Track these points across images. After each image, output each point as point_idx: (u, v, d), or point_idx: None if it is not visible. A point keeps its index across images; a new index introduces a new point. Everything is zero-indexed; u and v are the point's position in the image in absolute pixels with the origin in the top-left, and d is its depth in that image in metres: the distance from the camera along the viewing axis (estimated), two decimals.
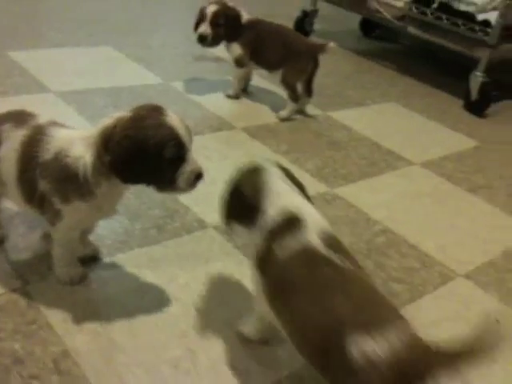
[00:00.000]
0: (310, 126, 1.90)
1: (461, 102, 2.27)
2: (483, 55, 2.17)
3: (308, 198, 0.95)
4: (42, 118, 1.03)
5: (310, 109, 2.01)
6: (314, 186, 1.53)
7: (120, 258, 1.14)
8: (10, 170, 0.98)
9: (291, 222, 0.85)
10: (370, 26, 3.05)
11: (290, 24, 2.78)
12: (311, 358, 0.80)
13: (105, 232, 1.20)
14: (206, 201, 1.38)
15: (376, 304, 0.77)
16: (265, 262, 0.86)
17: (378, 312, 0.76)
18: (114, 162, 0.90)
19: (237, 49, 1.90)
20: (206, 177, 1.47)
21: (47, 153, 0.95)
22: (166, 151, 0.90)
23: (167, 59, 2.25)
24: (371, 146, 1.83)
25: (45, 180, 0.95)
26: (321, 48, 1.89)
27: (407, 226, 1.43)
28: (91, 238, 1.14)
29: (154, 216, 1.29)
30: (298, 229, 0.84)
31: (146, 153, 0.88)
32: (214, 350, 0.97)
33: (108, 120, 0.93)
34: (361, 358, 0.70)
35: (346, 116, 2.02)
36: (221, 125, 1.77)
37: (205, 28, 1.84)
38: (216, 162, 1.57)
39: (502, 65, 2.30)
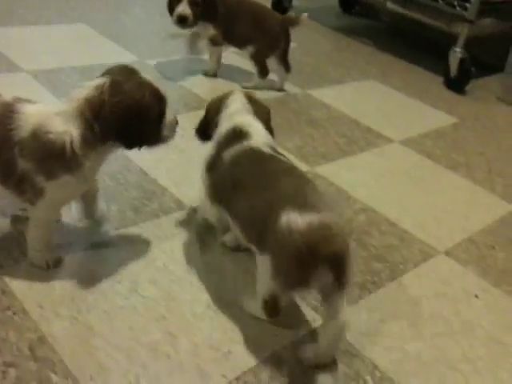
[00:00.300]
0: (289, 105, 1.87)
1: (440, 79, 2.27)
2: (462, 31, 2.16)
3: (268, 121, 1.13)
4: (5, 96, 0.97)
5: (289, 87, 1.99)
6: None
7: (96, 241, 1.11)
8: None
9: (239, 134, 1.04)
10: (350, 3, 3.02)
11: (268, 1, 2.74)
12: (251, 233, 0.95)
13: (80, 215, 1.17)
14: (183, 181, 1.35)
15: (309, 190, 0.93)
16: (213, 166, 1.06)
17: (310, 196, 0.91)
18: (110, 130, 0.91)
19: (209, 28, 1.85)
20: (183, 157, 1.45)
21: (22, 130, 0.91)
22: (155, 108, 0.95)
23: (142, 36, 2.19)
24: (350, 124, 1.81)
25: (25, 159, 0.92)
26: (293, 21, 1.87)
27: (387, 203, 1.42)
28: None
29: (130, 197, 1.26)
30: (244, 138, 1.03)
31: (140, 115, 0.92)
32: (195, 332, 0.96)
33: (84, 90, 0.92)
34: (286, 227, 0.85)
35: (326, 94, 2.00)
36: (198, 103, 1.73)
37: (183, 8, 1.75)
38: (193, 141, 1.53)
39: (480, 40, 2.30)
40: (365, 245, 1.26)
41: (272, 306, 0.95)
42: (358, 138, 1.74)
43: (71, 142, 0.90)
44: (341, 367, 0.94)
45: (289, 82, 2.02)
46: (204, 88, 1.85)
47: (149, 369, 0.88)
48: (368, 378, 0.94)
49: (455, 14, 2.16)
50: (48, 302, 0.96)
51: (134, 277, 1.05)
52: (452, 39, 2.19)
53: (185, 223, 1.21)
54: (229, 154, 1.02)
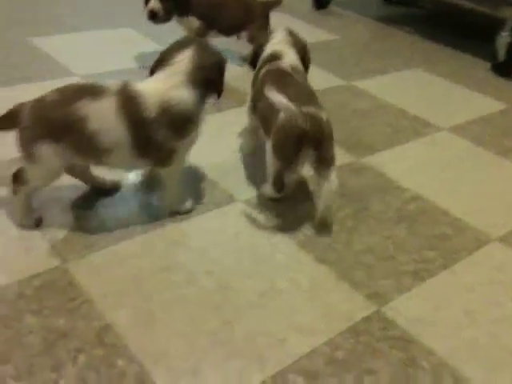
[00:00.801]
0: (334, 97, 1.87)
1: (487, 65, 2.22)
2: (509, 15, 2.10)
3: (304, 53, 1.41)
4: (113, 84, 1.09)
5: (333, 79, 1.99)
6: (340, 156, 1.52)
7: (151, 235, 1.15)
8: (120, 136, 1.06)
9: (274, 57, 1.34)
10: None
11: None
12: (265, 126, 1.23)
13: (135, 209, 1.22)
14: (239, 176, 1.38)
15: (309, 96, 1.22)
16: (254, 81, 1.37)
17: (307, 99, 1.19)
18: (207, 86, 1.15)
19: (194, 22, 1.88)
20: (232, 153, 1.47)
21: (153, 108, 1.07)
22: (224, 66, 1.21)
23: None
24: (397, 114, 1.80)
25: (163, 130, 1.09)
26: (274, 4, 1.98)
27: (437, 192, 1.41)
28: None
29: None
30: (278, 60, 1.33)
31: (220, 70, 1.18)
32: (249, 321, 0.98)
33: (179, 64, 1.13)
34: (283, 117, 1.14)
35: (369, 84, 1.99)
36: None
37: (154, 3, 1.76)
38: (242, 136, 1.57)
39: None
40: (416, 233, 1.26)
41: (278, 181, 1.24)
42: (405, 127, 1.73)
43: (194, 105, 1.12)
44: (396, 353, 0.95)
45: (332, 74, 2.03)
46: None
47: (209, 354, 0.91)
48: (424, 363, 0.94)
49: None
50: (111, 292, 1.00)
51: (190, 268, 1.08)
52: (498, 24, 2.13)
53: (235, 216, 1.24)
54: (263, 70, 1.32)
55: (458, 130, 1.73)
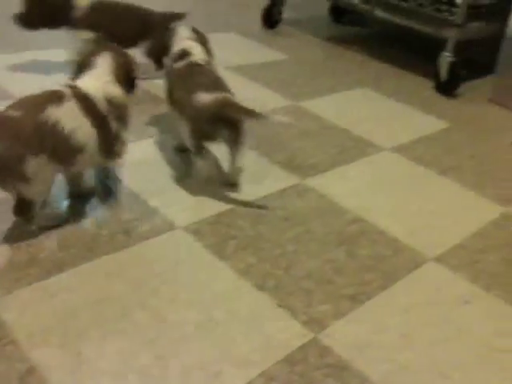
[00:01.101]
0: None
1: (432, 84, 2.28)
2: (450, 35, 2.17)
3: (206, 44, 1.60)
4: (61, 87, 1.19)
5: (280, 100, 2.01)
6: (284, 178, 1.53)
7: (86, 267, 1.13)
8: (90, 133, 1.19)
9: (184, 54, 1.49)
10: (340, 12, 3.04)
11: (258, 13, 2.77)
12: (180, 108, 1.40)
13: (70, 241, 1.19)
14: (175, 201, 1.37)
15: (218, 85, 1.40)
16: (168, 75, 1.52)
17: (217, 85, 1.38)
18: (130, 79, 1.34)
19: (88, 33, 1.88)
20: (175, 176, 1.46)
21: (103, 103, 1.23)
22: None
23: None
24: (342, 134, 1.82)
25: (115, 121, 1.27)
26: (174, 17, 1.99)
27: (378, 212, 1.43)
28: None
29: (121, 220, 1.27)
30: (187, 56, 1.49)
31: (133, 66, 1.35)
32: (184, 354, 0.97)
33: (103, 67, 1.28)
34: (197, 101, 1.31)
35: (317, 105, 2.01)
36: None
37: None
38: (186, 158, 1.56)
39: (470, 44, 2.30)
40: (356, 255, 1.27)
41: (198, 149, 1.37)
42: (350, 147, 1.75)
43: (125, 98, 1.27)
44: (330, 381, 0.95)
45: (280, 95, 2.04)
46: None
47: None
48: None
49: (443, 19, 2.18)
50: (39, 331, 0.97)
51: (125, 301, 1.06)
52: (440, 44, 2.20)
53: (175, 244, 1.23)
54: (177, 65, 1.48)
55: (401, 149, 1.77)
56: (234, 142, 1.38)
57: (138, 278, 1.12)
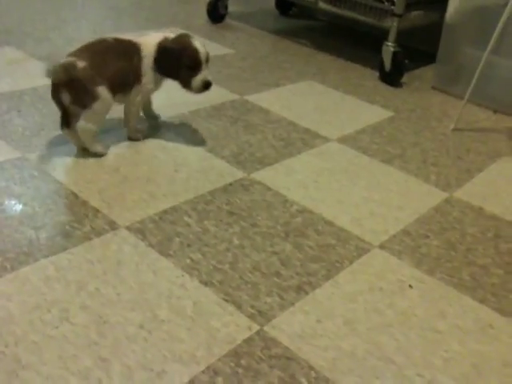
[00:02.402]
0: (226, 112, 1.88)
1: (377, 74, 2.31)
2: (392, 25, 2.20)
3: None
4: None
5: (227, 94, 1.99)
6: (230, 173, 1.52)
7: (24, 272, 1.09)
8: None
9: None
10: (286, 5, 3.05)
11: (203, 8, 2.74)
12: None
13: (7, 245, 1.15)
14: (117, 201, 1.34)
15: (87, 51, 1.46)
16: None
17: (81, 53, 1.45)
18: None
19: None
20: (116, 176, 1.43)
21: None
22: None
23: None
24: (288, 127, 1.83)
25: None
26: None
27: (324, 203, 1.44)
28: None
29: (60, 222, 1.24)
30: None
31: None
32: (127, 354, 0.95)
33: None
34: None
35: (263, 98, 2.01)
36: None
37: None
38: (127, 158, 1.53)
39: (413, 32, 2.35)
40: (302, 247, 1.27)
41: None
42: (296, 139, 1.75)
43: None
44: (277, 373, 0.95)
45: (226, 89, 2.03)
46: None
47: None
48: (303, 379, 0.94)
49: (384, 9, 2.21)
50: None
51: (64, 305, 1.03)
52: (384, 34, 2.23)
53: (118, 244, 1.20)
54: None
55: (347, 139, 1.79)
56: (74, 107, 1.43)
57: (78, 281, 1.09)
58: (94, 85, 1.40)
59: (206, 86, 1.51)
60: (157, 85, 1.58)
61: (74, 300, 1.04)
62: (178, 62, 1.48)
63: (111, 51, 1.47)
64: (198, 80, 1.50)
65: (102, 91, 1.41)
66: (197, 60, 1.48)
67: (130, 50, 1.50)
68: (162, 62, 1.50)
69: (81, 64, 1.39)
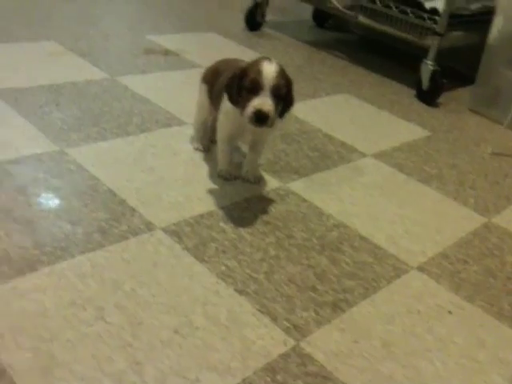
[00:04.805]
0: None
1: (413, 92, 2.28)
2: (432, 43, 2.18)
3: None
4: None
5: None
6: (266, 181, 1.50)
7: (60, 267, 1.08)
8: None
9: None
10: (323, 17, 3.04)
11: (241, 15, 2.74)
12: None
13: (44, 239, 1.14)
14: (153, 201, 1.33)
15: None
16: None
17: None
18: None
19: None
20: (154, 176, 1.42)
21: None
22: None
23: (113, 52, 2.17)
24: (324, 139, 1.81)
25: None
26: None
27: (360, 219, 1.41)
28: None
29: (97, 219, 1.23)
30: None
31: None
32: (161, 359, 0.93)
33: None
34: None
35: (299, 109, 1.98)
36: (169, 120, 1.72)
37: None
38: (165, 158, 1.52)
39: (452, 52, 2.32)
40: (337, 262, 1.25)
41: None
42: (332, 152, 1.73)
43: None
44: None
45: None
46: (176, 104, 1.83)
47: None
48: None
49: (425, 27, 2.19)
50: (10, 331, 0.92)
51: (101, 303, 1.01)
52: (422, 52, 2.21)
53: (154, 245, 1.19)
54: None
55: (383, 156, 1.76)
56: None
57: (114, 280, 1.07)
58: None
59: (258, 115, 1.21)
60: (233, 123, 1.36)
61: (109, 299, 1.03)
62: (240, 82, 1.25)
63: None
64: (251, 106, 1.22)
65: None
66: (256, 82, 1.22)
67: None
68: (228, 87, 1.29)
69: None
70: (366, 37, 3.03)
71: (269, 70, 1.23)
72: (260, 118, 1.21)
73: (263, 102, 1.21)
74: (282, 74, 1.26)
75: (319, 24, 3.05)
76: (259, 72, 1.22)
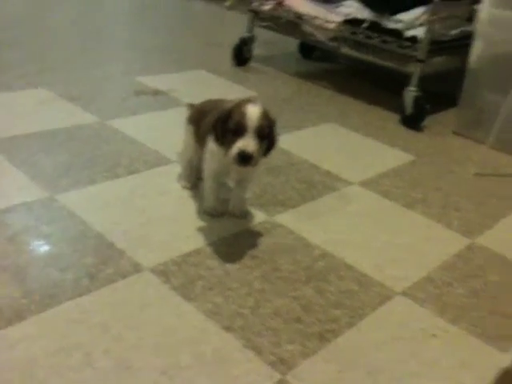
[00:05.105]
0: None
1: (398, 117, 2.33)
2: (414, 70, 2.24)
3: None
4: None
5: None
6: (253, 215, 1.54)
7: (49, 314, 1.10)
8: None
9: None
10: (309, 48, 3.12)
11: (228, 51, 2.81)
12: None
13: (33, 287, 1.17)
14: (141, 242, 1.36)
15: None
16: None
17: None
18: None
19: None
20: (143, 217, 1.46)
21: None
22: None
23: (104, 96, 2.23)
24: (310, 169, 1.85)
25: None
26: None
27: (346, 247, 1.44)
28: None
29: (86, 264, 1.26)
30: None
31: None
32: None
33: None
34: None
35: (285, 140, 2.03)
36: (158, 160, 1.76)
37: None
38: (153, 198, 1.56)
39: (435, 76, 2.38)
40: (324, 292, 1.27)
41: None
42: (318, 182, 1.77)
43: None
44: None
45: None
46: (165, 144, 1.88)
47: None
48: None
49: (407, 55, 2.25)
50: None
51: (88, 348, 1.04)
52: (405, 79, 2.26)
53: (141, 286, 1.21)
54: None
55: (369, 183, 1.79)
56: None
57: (101, 324, 1.10)
58: None
59: (242, 156, 1.25)
60: (219, 162, 1.40)
61: (97, 344, 1.05)
62: (225, 124, 1.29)
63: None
64: (235, 147, 1.26)
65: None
66: (240, 124, 1.26)
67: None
68: (214, 127, 1.33)
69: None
70: (352, 66, 3.10)
71: (252, 113, 1.27)
72: (244, 159, 1.26)
73: (247, 143, 1.26)
74: (265, 115, 1.31)
75: (305, 56, 3.13)
76: (243, 114, 1.27)
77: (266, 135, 1.32)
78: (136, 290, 1.20)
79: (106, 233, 1.37)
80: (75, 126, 1.92)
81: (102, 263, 1.27)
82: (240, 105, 1.30)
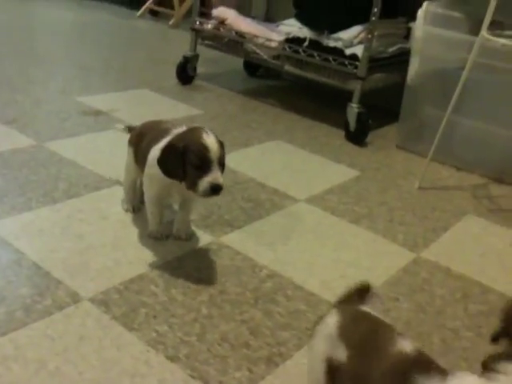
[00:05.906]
0: None
1: (343, 133, 2.36)
2: (355, 87, 2.28)
3: None
4: None
5: None
6: (199, 237, 1.50)
7: None
8: None
9: None
10: (254, 66, 3.13)
11: (172, 69, 2.78)
12: None
13: None
14: (80, 271, 1.30)
15: None
16: None
17: None
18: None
19: None
20: (81, 244, 1.40)
21: None
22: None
23: (41, 118, 2.15)
24: (257, 187, 1.83)
25: None
26: None
27: (293, 266, 1.43)
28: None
29: (21, 296, 1.19)
30: None
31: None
32: None
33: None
34: None
35: (232, 159, 2.00)
36: (98, 183, 1.70)
37: None
38: (93, 224, 1.50)
39: (376, 92, 2.43)
40: (271, 314, 1.25)
41: None
42: (264, 200, 1.76)
43: None
44: None
45: None
46: (106, 166, 1.82)
47: None
48: None
49: (347, 72, 2.28)
50: None
51: None
52: (348, 95, 2.30)
53: (80, 317, 1.15)
54: None
55: (315, 200, 1.80)
56: None
57: (38, 360, 1.03)
58: None
59: (215, 189, 1.26)
60: (159, 186, 1.39)
61: (32, 381, 0.99)
62: (182, 160, 1.26)
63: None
64: (205, 182, 1.24)
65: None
66: (205, 158, 1.24)
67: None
68: (164, 161, 1.29)
69: None
70: (297, 82, 3.13)
71: (212, 144, 1.26)
72: (216, 191, 1.26)
73: (216, 176, 1.25)
74: (220, 142, 1.30)
75: (251, 73, 3.14)
76: (204, 148, 1.25)
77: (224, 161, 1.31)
78: (74, 321, 1.14)
79: (41, 262, 1.30)
80: (10, 150, 1.84)
81: (37, 294, 1.20)
82: (195, 137, 1.27)
